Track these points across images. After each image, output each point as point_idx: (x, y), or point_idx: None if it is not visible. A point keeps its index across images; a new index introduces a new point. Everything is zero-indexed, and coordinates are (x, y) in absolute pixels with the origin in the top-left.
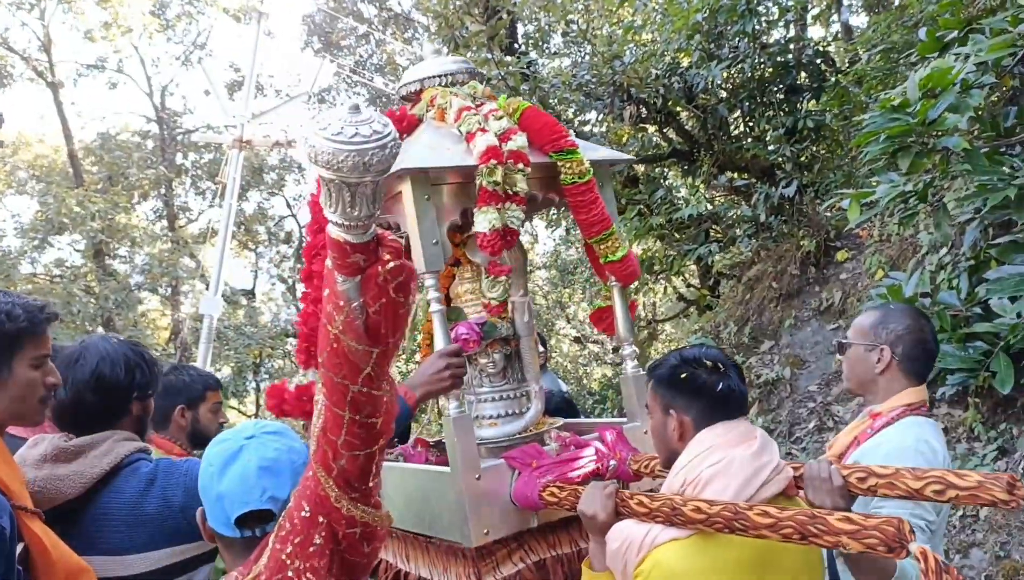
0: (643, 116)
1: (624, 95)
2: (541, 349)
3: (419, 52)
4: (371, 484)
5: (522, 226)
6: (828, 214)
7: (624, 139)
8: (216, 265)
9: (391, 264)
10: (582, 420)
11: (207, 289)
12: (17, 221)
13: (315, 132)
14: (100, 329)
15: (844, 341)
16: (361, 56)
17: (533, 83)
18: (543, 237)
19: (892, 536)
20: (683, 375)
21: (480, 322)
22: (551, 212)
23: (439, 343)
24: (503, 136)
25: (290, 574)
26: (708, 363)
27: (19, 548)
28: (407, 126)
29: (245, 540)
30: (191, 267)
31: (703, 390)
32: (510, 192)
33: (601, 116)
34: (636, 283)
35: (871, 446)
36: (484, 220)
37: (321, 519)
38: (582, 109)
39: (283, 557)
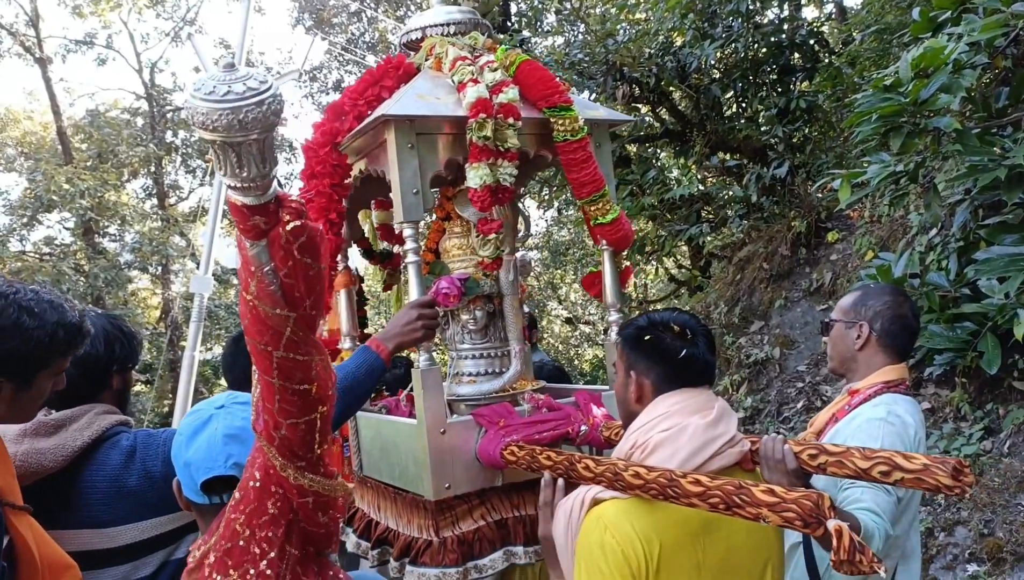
0: (636, 95)
1: (617, 74)
2: (532, 329)
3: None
4: (318, 451)
5: (513, 182)
6: (819, 195)
7: None
8: (206, 244)
9: (292, 224)
10: (565, 386)
11: (198, 268)
12: (5, 199)
13: (191, 93)
14: (91, 307)
15: (827, 320)
16: (353, 34)
17: None
18: (535, 217)
19: (809, 510)
20: (647, 337)
21: (463, 277)
22: (543, 192)
23: (413, 294)
24: (495, 88)
25: (241, 543)
26: (675, 328)
27: (4, 542)
28: (403, 74)
29: (215, 507)
30: (181, 246)
31: (666, 354)
32: (501, 148)
33: (594, 95)
34: (627, 261)
35: (845, 422)
36: (475, 176)
37: (274, 488)
38: (575, 88)
39: (236, 526)
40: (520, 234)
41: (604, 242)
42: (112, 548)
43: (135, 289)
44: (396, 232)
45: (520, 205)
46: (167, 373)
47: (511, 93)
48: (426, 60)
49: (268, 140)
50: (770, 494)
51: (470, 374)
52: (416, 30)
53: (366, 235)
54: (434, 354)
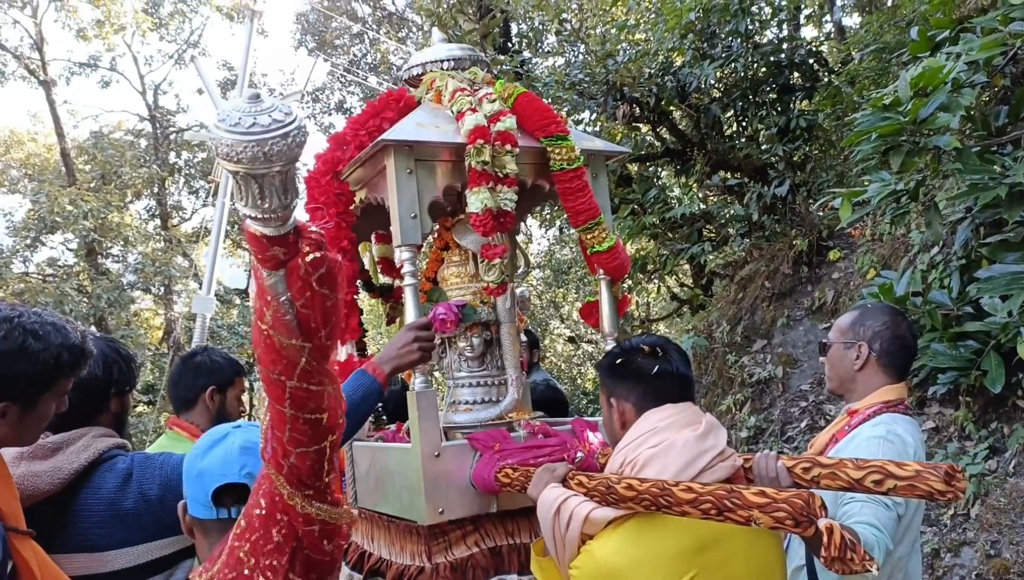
0: (636, 115)
1: (617, 94)
2: (534, 348)
3: (417, 46)
4: (326, 480)
5: (513, 208)
6: (820, 213)
7: (617, 138)
8: (209, 264)
9: (311, 256)
10: (563, 419)
11: (200, 288)
12: (9, 220)
13: (215, 124)
14: (93, 328)
15: (825, 341)
16: (355, 55)
17: (526, 82)
18: (537, 236)
19: (800, 509)
20: (619, 361)
21: (460, 304)
22: (544, 211)
23: (410, 317)
24: (493, 117)
25: (246, 571)
26: (645, 348)
27: (8, 567)
28: (404, 107)
29: (220, 523)
30: (184, 266)
31: (639, 374)
32: (500, 174)
33: (594, 115)
34: (629, 281)
35: (845, 442)
36: (476, 200)
37: (279, 516)
38: (575, 108)
39: (240, 555)
40: (520, 270)
41: (601, 271)
42: (106, 573)
43: (138, 310)
44: (397, 265)
45: (519, 242)
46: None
47: (508, 122)
48: (427, 93)
49: (291, 172)
50: (761, 495)
51: (466, 402)
52: (417, 66)
53: (366, 268)
54: (430, 379)
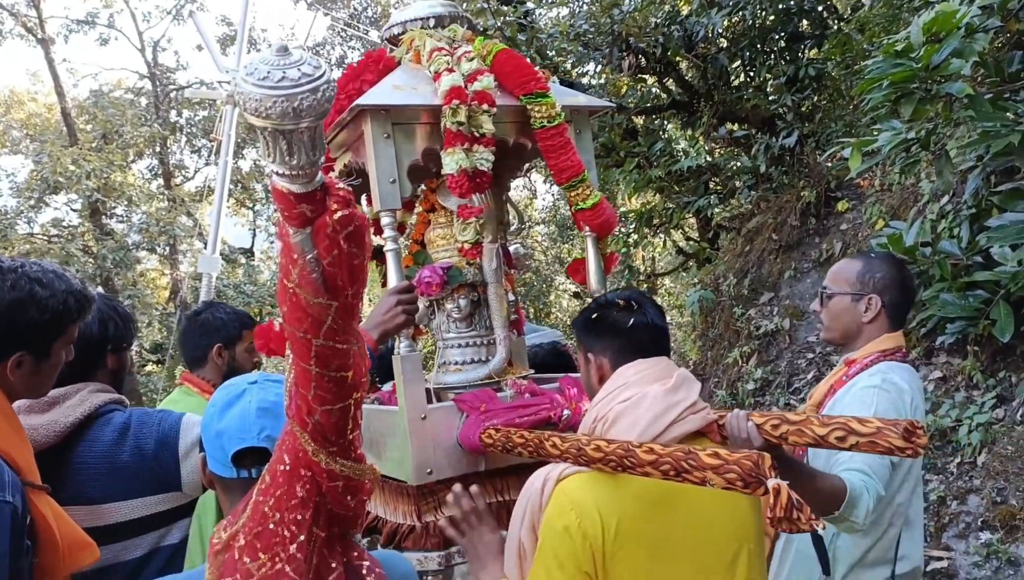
0: (642, 66)
1: (623, 45)
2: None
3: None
4: (350, 437)
5: (490, 167)
6: (829, 164)
7: (623, 90)
8: (213, 223)
9: (339, 213)
10: (553, 375)
11: (205, 248)
12: (12, 181)
13: (242, 78)
14: (99, 288)
15: (827, 290)
16: (355, 9)
17: (530, 33)
18: (541, 192)
19: (749, 470)
20: (594, 316)
21: (445, 266)
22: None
23: (392, 281)
24: (470, 77)
25: (271, 526)
26: (620, 302)
27: (27, 521)
28: (384, 68)
29: (242, 482)
30: (189, 226)
31: (615, 328)
32: (476, 133)
33: (600, 67)
34: (635, 235)
35: (843, 392)
36: (451, 161)
37: (303, 472)
38: (580, 60)
39: (265, 509)
40: (512, 227)
41: (587, 228)
42: (101, 527)
43: (143, 270)
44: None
45: (509, 198)
46: (177, 352)
47: (486, 81)
48: (406, 53)
49: (319, 127)
50: (715, 457)
51: (456, 362)
52: (397, 24)
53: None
54: (414, 342)
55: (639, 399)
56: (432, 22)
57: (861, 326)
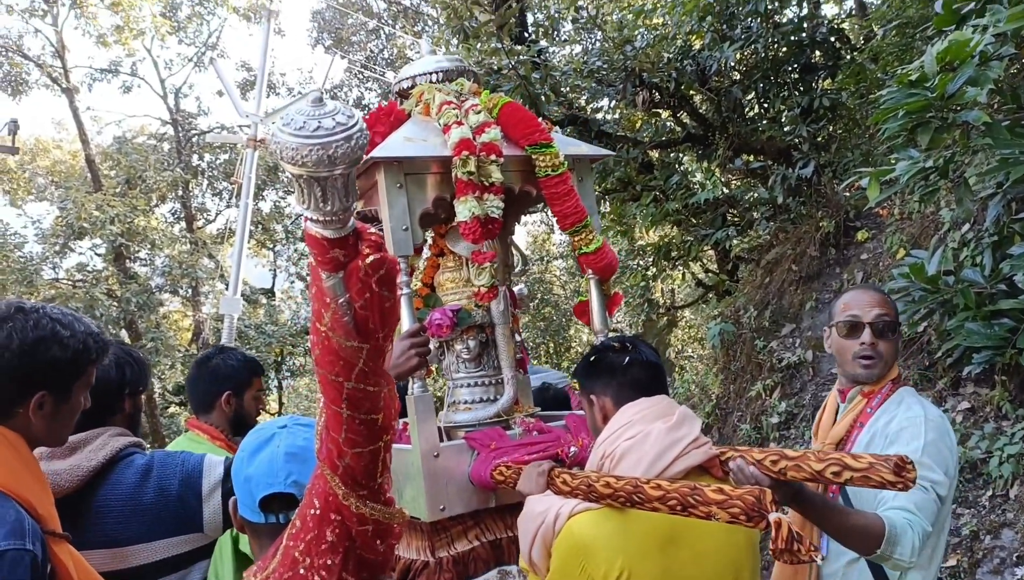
0: (656, 101)
1: (636, 80)
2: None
3: (433, 40)
4: (379, 480)
5: (500, 214)
6: (847, 194)
7: (637, 124)
8: (235, 265)
9: (371, 258)
10: (559, 413)
11: (227, 289)
12: (38, 227)
13: (279, 128)
14: (123, 332)
15: (890, 319)
16: (372, 51)
17: (544, 71)
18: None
19: (751, 505)
20: (592, 359)
21: (455, 309)
22: None
23: (405, 324)
24: (478, 129)
25: (302, 571)
26: (615, 345)
27: (47, 571)
28: (395, 120)
29: (271, 527)
30: (210, 268)
31: (612, 368)
32: (486, 182)
33: (614, 102)
34: (653, 269)
35: (881, 426)
36: (464, 209)
37: (333, 516)
38: (594, 96)
39: (296, 554)
40: (516, 269)
41: (590, 271)
42: (124, 569)
43: (166, 312)
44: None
45: (513, 241)
46: None
47: (493, 133)
48: (416, 106)
49: (352, 174)
50: (719, 492)
51: (466, 402)
52: (407, 79)
53: None
54: (426, 384)
55: (643, 437)
56: (440, 76)
57: (894, 354)
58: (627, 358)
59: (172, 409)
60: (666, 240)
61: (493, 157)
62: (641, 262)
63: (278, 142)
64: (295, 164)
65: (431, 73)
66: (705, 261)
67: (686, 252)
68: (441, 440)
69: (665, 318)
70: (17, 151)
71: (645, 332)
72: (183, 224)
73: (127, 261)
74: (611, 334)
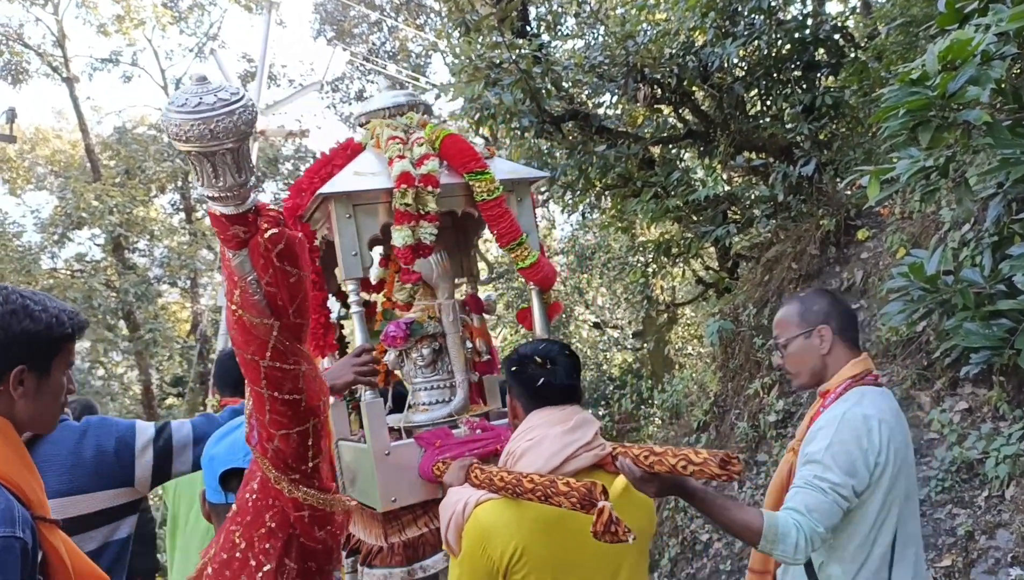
0: (658, 97)
1: (638, 76)
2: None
3: (435, 32)
4: (311, 465)
5: (433, 240)
6: (848, 192)
7: (639, 120)
8: None
9: (269, 232)
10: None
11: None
12: (37, 216)
13: (166, 106)
14: (122, 322)
15: (779, 340)
16: (374, 44)
17: (545, 66)
18: (560, 222)
19: (584, 495)
20: (513, 369)
21: (408, 321)
22: (567, 197)
23: (357, 340)
24: (419, 161)
25: (238, 555)
26: (537, 359)
27: (39, 557)
28: (351, 153)
29: (229, 507)
30: (209, 259)
31: (527, 382)
32: (422, 211)
33: (615, 98)
34: (653, 265)
35: (815, 425)
36: (399, 237)
37: (271, 502)
38: (596, 91)
39: (235, 538)
40: (483, 277)
41: (531, 283)
42: (68, 519)
43: (165, 303)
44: (372, 282)
45: (479, 251)
46: (198, 386)
47: (431, 165)
48: (370, 140)
49: (242, 149)
50: (566, 486)
51: (424, 403)
52: (362, 115)
53: (343, 289)
54: (377, 392)
55: (541, 439)
56: (391, 111)
57: (823, 359)
58: (541, 379)
59: (170, 400)
60: (666, 236)
61: (430, 188)
62: (641, 258)
63: (165, 120)
64: (180, 140)
65: (384, 109)
66: (705, 258)
67: (686, 249)
68: (403, 438)
69: (665, 315)
70: (15, 139)
71: (645, 329)
72: (182, 215)
73: (126, 252)
74: (542, 341)
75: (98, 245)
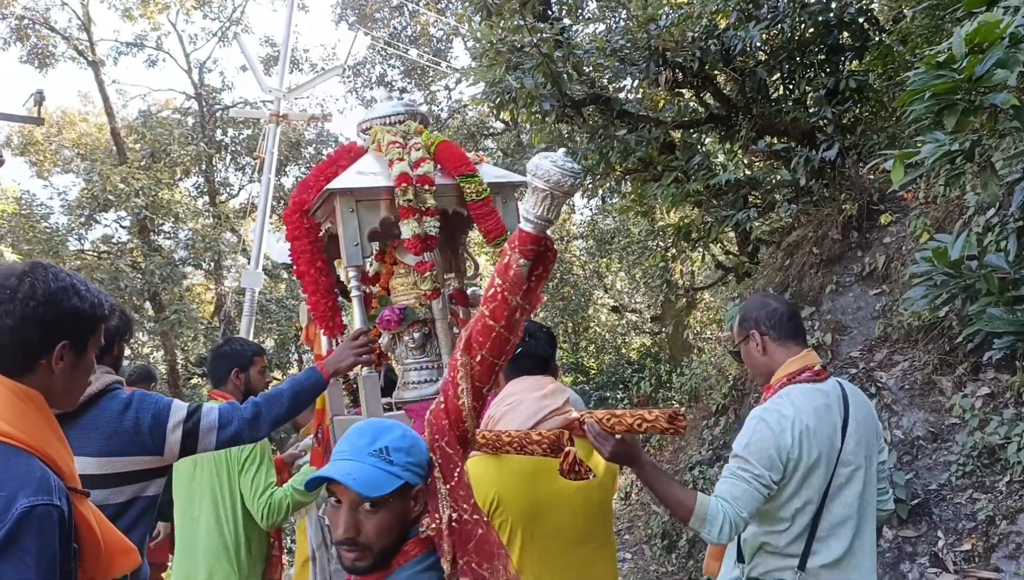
0: (679, 80)
1: (660, 60)
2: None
3: (456, 18)
4: (486, 394)
5: (437, 232)
6: (871, 177)
7: (660, 104)
8: (256, 239)
9: (552, 251)
10: None
11: (248, 263)
12: (64, 199)
13: (547, 159)
14: (147, 304)
15: (733, 350)
16: (395, 28)
17: (566, 49)
18: (579, 206)
19: (553, 442)
20: None
21: (401, 307)
22: (587, 181)
23: (356, 323)
24: (416, 164)
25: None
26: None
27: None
28: (354, 156)
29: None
30: (233, 242)
31: None
32: (423, 207)
33: (636, 82)
34: (673, 250)
35: (746, 420)
36: (407, 229)
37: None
38: (617, 75)
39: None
40: (470, 274)
41: None
42: (96, 475)
43: (189, 285)
44: (370, 275)
45: (465, 250)
46: None
47: (427, 167)
48: (372, 144)
49: (562, 202)
50: (539, 436)
51: (413, 382)
52: (365, 121)
53: (343, 279)
54: (373, 369)
55: (518, 403)
56: (391, 119)
57: (763, 360)
58: (520, 348)
59: (195, 380)
60: (686, 221)
61: (427, 187)
62: (661, 243)
63: (542, 167)
64: (548, 183)
65: (385, 117)
66: (725, 243)
67: (706, 233)
68: (394, 411)
69: (684, 299)
70: (42, 122)
71: (663, 313)
72: (206, 198)
73: (151, 234)
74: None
75: (124, 227)
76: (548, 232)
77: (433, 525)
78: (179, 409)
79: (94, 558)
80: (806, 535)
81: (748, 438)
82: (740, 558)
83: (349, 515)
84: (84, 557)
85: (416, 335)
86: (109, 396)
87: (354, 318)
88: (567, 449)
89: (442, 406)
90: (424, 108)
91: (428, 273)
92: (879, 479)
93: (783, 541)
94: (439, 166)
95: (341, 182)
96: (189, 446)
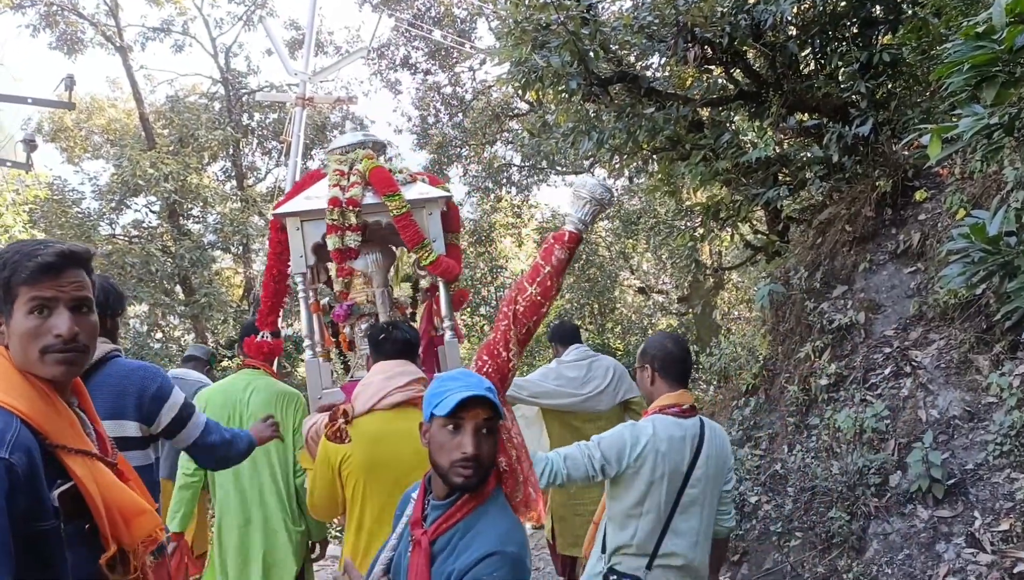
0: (708, 57)
1: (688, 36)
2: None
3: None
4: (524, 334)
5: (357, 244)
6: (906, 152)
7: (688, 82)
8: None
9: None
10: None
11: None
12: (94, 184)
13: (599, 180)
14: (178, 288)
15: (635, 368)
16: (419, 9)
17: (593, 27)
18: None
19: (332, 416)
20: (370, 332)
21: (350, 304)
22: (614, 161)
23: (302, 318)
24: (348, 187)
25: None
26: (385, 326)
27: (67, 487)
28: (316, 181)
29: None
30: (260, 225)
31: (375, 340)
32: (347, 224)
33: (664, 59)
34: (700, 230)
35: None
36: (330, 242)
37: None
38: (644, 53)
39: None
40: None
41: (436, 275)
42: (124, 437)
43: (219, 268)
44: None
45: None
46: None
47: (355, 191)
48: (327, 169)
49: (598, 215)
50: (335, 410)
51: (362, 365)
52: (331, 150)
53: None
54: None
55: (368, 383)
56: (346, 149)
57: (650, 388)
58: (381, 335)
59: (225, 362)
60: (715, 200)
61: (351, 207)
62: (689, 222)
63: (587, 184)
64: (594, 197)
65: (341, 147)
66: (755, 222)
67: (735, 212)
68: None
69: (712, 280)
70: (73, 106)
71: (691, 294)
72: (234, 182)
73: (181, 218)
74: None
75: (154, 212)
76: (584, 232)
77: (504, 462)
78: (179, 394)
79: (110, 521)
80: (654, 540)
81: (609, 435)
82: (604, 550)
83: (475, 436)
84: (97, 519)
85: (363, 326)
86: (111, 362)
87: (302, 320)
88: (338, 421)
89: (489, 368)
90: (382, 137)
91: (349, 278)
92: (722, 502)
93: (634, 542)
94: (372, 186)
95: (289, 206)
96: (172, 430)
